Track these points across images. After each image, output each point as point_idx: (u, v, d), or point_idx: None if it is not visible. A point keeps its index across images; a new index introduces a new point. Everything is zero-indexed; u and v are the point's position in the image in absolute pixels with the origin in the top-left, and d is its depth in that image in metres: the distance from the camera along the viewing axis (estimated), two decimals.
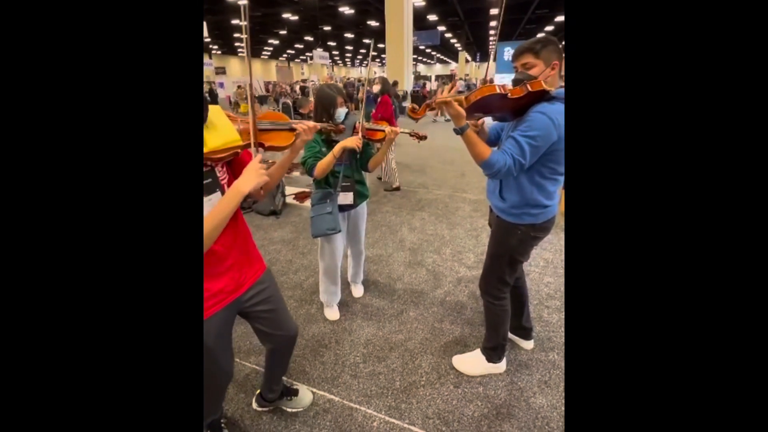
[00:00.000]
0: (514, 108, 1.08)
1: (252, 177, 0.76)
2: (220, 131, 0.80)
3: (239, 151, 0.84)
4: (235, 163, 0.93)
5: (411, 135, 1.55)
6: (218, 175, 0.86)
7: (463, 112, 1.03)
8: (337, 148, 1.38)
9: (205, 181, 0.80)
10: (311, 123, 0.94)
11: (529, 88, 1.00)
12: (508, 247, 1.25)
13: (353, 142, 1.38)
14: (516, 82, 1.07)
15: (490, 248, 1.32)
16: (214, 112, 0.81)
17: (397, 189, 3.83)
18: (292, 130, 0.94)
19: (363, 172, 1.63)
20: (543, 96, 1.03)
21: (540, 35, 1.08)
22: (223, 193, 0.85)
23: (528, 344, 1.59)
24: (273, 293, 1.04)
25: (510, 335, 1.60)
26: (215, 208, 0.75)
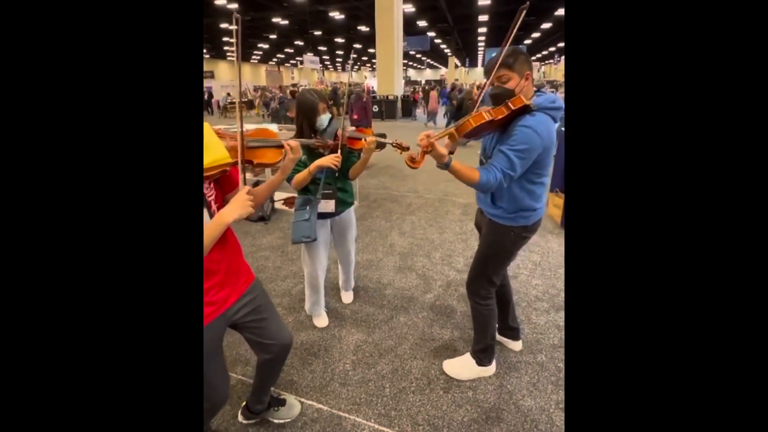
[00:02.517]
0: (500, 126, 1.15)
1: (237, 208, 0.79)
2: (209, 149, 0.81)
3: (227, 168, 0.85)
4: (223, 180, 0.92)
5: (393, 145, 1.53)
6: (205, 192, 0.86)
7: (444, 153, 1.10)
8: (313, 166, 1.36)
9: None
10: (294, 142, 0.95)
11: (512, 107, 1.06)
12: (501, 248, 1.29)
13: (330, 160, 1.34)
14: (495, 98, 1.12)
15: (481, 249, 1.35)
16: (204, 130, 0.82)
17: None
18: (281, 147, 0.95)
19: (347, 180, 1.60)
20: (525, 110, 1.09)
21: (511, 47, 1.11)
22: (210, 210, 0.85)
23: (516, 345, 1.60)
24: (262, 302, 1.03)
25: (498, 337, 1.61)
26: None
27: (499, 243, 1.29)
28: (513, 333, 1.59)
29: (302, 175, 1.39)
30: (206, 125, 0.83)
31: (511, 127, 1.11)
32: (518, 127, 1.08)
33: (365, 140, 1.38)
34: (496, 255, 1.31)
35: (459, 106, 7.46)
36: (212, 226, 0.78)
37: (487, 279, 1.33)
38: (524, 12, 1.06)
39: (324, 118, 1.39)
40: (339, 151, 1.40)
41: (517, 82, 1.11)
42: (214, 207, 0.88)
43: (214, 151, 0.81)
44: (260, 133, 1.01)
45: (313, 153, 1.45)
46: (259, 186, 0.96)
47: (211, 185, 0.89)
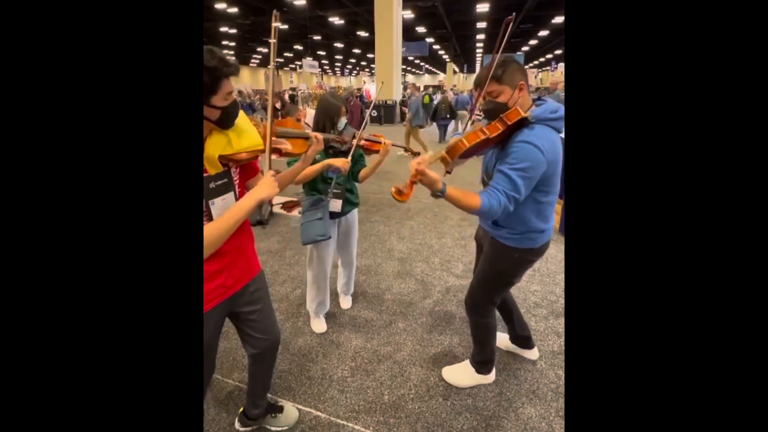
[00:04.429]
0: (497, 143, 1.05)
1: (267, 188, 0.82)
2: (247, 134, 0.86)
3: (259, 154, 0.90)
4: (247, 168, 0.97)
5: (405, 150, 1.66)
6: (233, 177, 0.90)
7: (437, 178, 0.96)
8: (324, 164, 1.42)
9: (221, 182, 0.85)
10: (321, 135, 1.02)
11: (507, 122, 0.97)
12: (503, 270, 1.23)
13: (341, 163, 1.41)
14: (488, 114, 1.04)
15: (483, 268, 1.28)
16: (241, 118, 0.87)
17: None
18: (307, 138, 1.01)
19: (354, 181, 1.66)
20: (522, 123, 0.99)
21: (502, 55, 1.02)
22: (235, 193, 0.89)
23: (532, 353, 1.53)
24: (264, 296, 1.07)
25: (511, 347, 1.58)
26: (231, 210, 0.80)
27: (500, 265, 1.22)
28: (525, 341, 1.53)
29: (312, 170, 1.44)
30: (242, 113, 0.88)
31: (509, 143, 1.01)
32: (516, 144, 0.98)
33: (384, 143, 1.46)
34: (497, 277, 1.24)
35: (434, 110, 7.69)
36: (245, 202, 0.81)
37: (488, 299, 1.30)
38: (510, 25, 0.99)
39: (343, 121, 1.49)
40: (352, 153, 1.47)
41: (510, 95, 1.01)
42: (238, 191, 0.93)
43: (250, 138, 0.86)
44: (284, 123, 1.05)
45: (326, 151, 1.51)
46: (282, 173, 1.00)
47: (238, 169, 0.93)
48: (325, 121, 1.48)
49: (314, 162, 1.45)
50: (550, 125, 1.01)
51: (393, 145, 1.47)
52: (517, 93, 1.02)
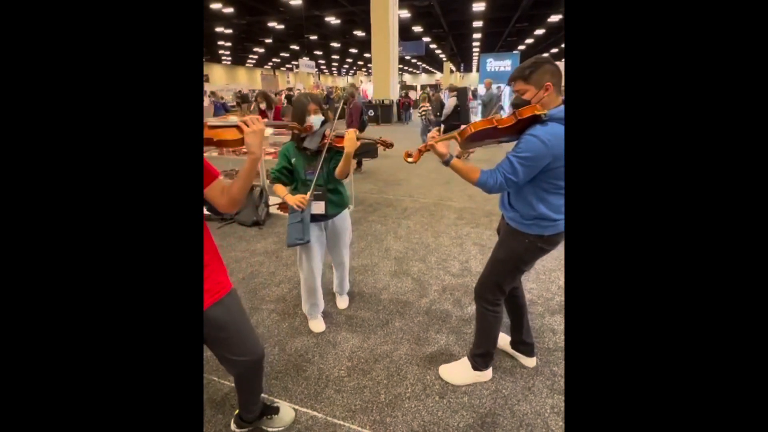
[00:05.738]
0: (511, 133, 1.16)
1: None
2: None
3: None
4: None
5: (377, 142, 1.57)
6: None
7: (445, 151, 1.18)
8: (283, 200, 1.50)
9: None
10: (255, 116, 0.89)
11: (519, 116, 1.09)
12: (514, 254, 1.26)
13: (293, 200, 1.44)
14: (515, 107, 1.15)
15: (494, 253, 1.33)
16: None
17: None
18: (237, 126, 0.91)
19: (342, 182, 1.62)
20: (535, 120, 1.09)
21: (531, 58, 1.13)
22: None
23: (530, 361, 1.52)
24: (236, 317, 0.98)
25: (511, 351, 1.58)
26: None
27: (511, 248, 1.26)
28: (527, 348, 1.52)
29: (279, 192, 1.52)
30: None
31: (523, 135, 1.12)
32: (525, 136, 1.09)
33: (345, 136, 1.43)
34: (507, 261, 1.28)
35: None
36: None
37: (497, 285, 1.31)
38: None
39: (315, 119, 1.45)
40: (326, 150, 1.46)
41: (534, 93, 1.10)
42: None
43: None
44: (225, 119, 1.00)
45: (302, 152, 1.50)
46: (233, 181, 0.91)
47: None
48: (293, 120, 1.50)
49: (283, 173, 1.51)
50: (563, 123, 1.09)
51: (359, 138, 1.45)
52: (542, 93, 1.10)
